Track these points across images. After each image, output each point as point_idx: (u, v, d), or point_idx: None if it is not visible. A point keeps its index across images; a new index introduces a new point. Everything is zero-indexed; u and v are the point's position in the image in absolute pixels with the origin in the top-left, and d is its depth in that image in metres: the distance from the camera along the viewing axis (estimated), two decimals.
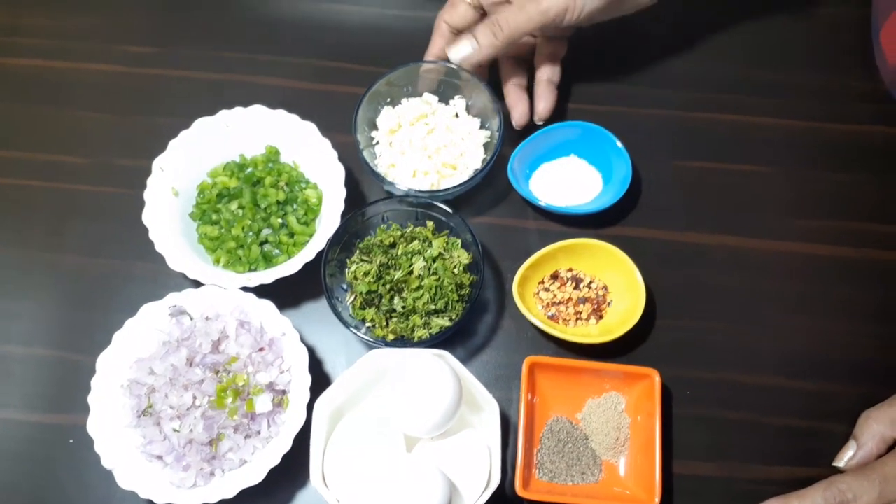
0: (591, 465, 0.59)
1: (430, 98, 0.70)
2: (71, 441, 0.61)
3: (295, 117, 0.67)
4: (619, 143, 0.68)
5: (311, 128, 0.67)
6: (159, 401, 0.57)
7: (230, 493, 0.54)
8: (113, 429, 0.57)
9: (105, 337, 0.60)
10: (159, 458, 0.56)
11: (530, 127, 0.70)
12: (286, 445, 0.55)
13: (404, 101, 0.70)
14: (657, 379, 0.59)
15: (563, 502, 0.57)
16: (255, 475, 0.54)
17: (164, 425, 0.56)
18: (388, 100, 0.70)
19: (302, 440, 0.55)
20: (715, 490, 0.60)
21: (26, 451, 0.61)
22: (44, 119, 0.75)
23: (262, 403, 0.57)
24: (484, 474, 0.55)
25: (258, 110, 0.67)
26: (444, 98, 0.70)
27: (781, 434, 0.62)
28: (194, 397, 0.57)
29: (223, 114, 0.67)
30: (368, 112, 0.69)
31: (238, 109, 0.67)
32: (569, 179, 0.69)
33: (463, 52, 0.65)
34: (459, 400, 0.54)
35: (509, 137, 0.71)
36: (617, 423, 0.60)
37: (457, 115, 0.70)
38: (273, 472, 0.55)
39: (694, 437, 0.62)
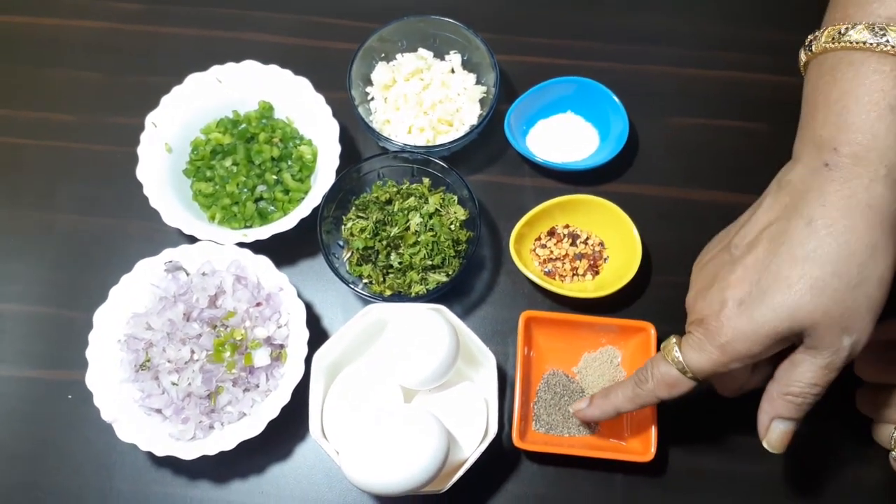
0: None
1: (425, 53, 0.69)
2: (70, 396, 0.61)
3: (288, 72, 0.66)
4: (616, 99, 0.67)
5: (304, 83, 0.66)
6: (157, 355, 0.57)
7: (229, 446, 0.54)
8: (111, 383, 0.57)
9: (101, 294, 0.60)
10: (158, 411, 0.56)
11: (526, 83, 0.69)
12: (285, 398, 0.56)
13: (399, 56, 0.69)
14: (653, 332, 0.59)
15: (559, 453, 0.58)
16: (254, 427, 0.55)
17: (163, 379, 0.56)
18: (383, 55, 0.69)
19: (301, 394, 0.56)
20: (708, 443, 0.60)
21: (25, 407, 0.62)
22: (34, 77, 0.74)
23: (261, 357, 0.57)
24: (481, 426, 0.55)
25: (251, 65, 0.67)
26: (440, 53, 0.70)
27: None
28: (192, 351, 0.57)
29: (215, 69, 0.67)
30: (363, 67, 0.68)
31: (230, 65, 0.67)
32: (566, 136, 0.69)
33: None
34: (456, 351, 0.54)
35: (506, 93, 0.71)
36: (612, 376, 0.61)
37: (452, 71, 0.69)
38: (272, 425, 0.55)
39: (692, 390, 0.62)
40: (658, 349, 0.59)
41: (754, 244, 0.47)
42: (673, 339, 0.50)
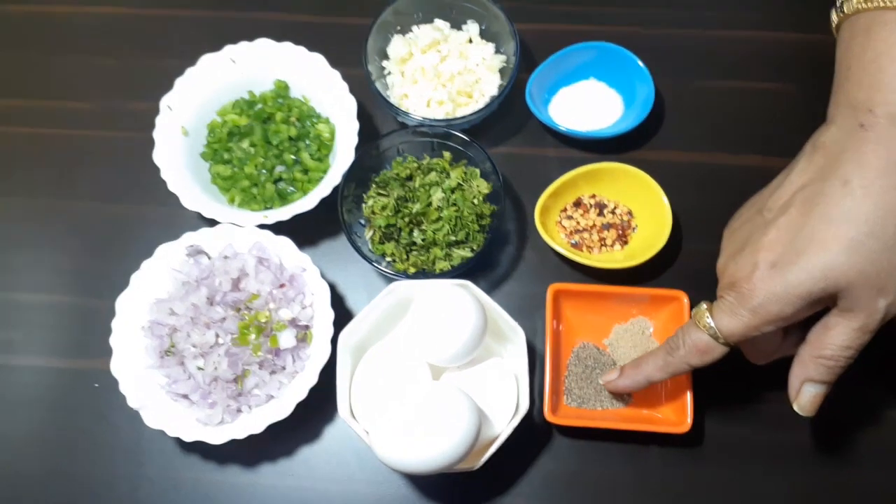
0: None
1: (441, 24, 0.67)
2: (96, 385, 0.61)
3: (302, 49, 0.65)
4: (640, 63, 0.65)
5: (319, 59, 0.65)
6: (181, 340, 0.56)
7: (258, 429, 0.54)
8: (137, 370, 0.57)
9: (122, 281, 0.59)
10: (185, 396, 0.56)
11: (547, 50, 0.67)
12: (312, 379, 0.55)
13: (415, 28, 0.68)
14: (685, 301, 0.57)
15: (592, 427, 0.56)
16: (282, 410, 0.54)
17: (188, 364, 0.56)
18: (398, 28, 0.67)
19: (328, 375, 0.55)
20: (744, 412, 0.59)
21: (52, 397, 0.61)
22: (48, 65, 0.73)
23: (286, 339, 0.56)
24: (512, 401, 0.54)
25: (264, 43, 0.65)
26: (457, 23, 0.68)
27: None
28: (217, 335, 0.56)
29: (229, 48, 0.66)
30: (378, 42, 0.66)
31: (244, 44, 0.66)
32: (589, 103, 0.67)
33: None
34: (484, 326, 0.53)
35: (525, 62, 0.69)
36: (645, 347, 0.59)
37: (470, 41, 0.67)
38: (300, 407, 0.55)
39: (723, 359, 0.60)
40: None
41: (787, 206, 0.46)
42: (704, 305, 0.49)
